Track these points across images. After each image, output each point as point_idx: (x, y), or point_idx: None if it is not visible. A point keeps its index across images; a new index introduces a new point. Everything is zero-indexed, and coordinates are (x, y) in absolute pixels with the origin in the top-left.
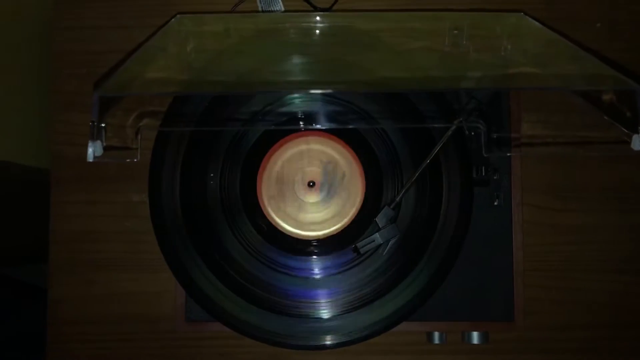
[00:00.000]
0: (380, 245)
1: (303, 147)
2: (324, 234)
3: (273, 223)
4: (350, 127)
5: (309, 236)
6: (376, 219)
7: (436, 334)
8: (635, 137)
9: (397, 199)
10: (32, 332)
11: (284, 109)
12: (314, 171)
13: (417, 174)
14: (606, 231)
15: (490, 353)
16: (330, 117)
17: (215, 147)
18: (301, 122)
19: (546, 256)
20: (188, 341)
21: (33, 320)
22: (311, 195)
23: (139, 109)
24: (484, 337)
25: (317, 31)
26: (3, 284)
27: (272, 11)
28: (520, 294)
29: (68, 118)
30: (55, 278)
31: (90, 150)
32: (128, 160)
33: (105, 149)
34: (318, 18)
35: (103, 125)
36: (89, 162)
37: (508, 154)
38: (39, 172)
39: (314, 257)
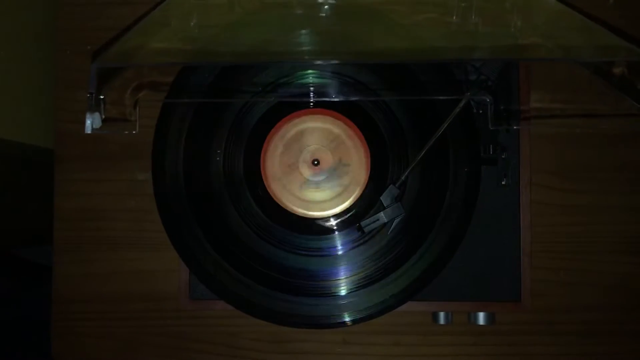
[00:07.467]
0: (384, 224)
1: (307, 124)
2: (328, 213)
3: (277, 201)
4: (354, 99)
5: (312, 215)
6: (381, 198)
7: (442, 314)
8: None
9: (403, 177)
10: (41, 311)
11: (288, 83)
12: (318, 149)
13: (423, 152)
14: (615, 212)
15: (497, 334)
16: (334, 91)
17: (219, 123)
18: (310, 96)
19: (554, 237)
20: (193, 320)
21: (42, 300)
22: (316, 173)
23: (137, 80)
24: (490, 318)
25: (322, 4)
26: (13, 264)
27: None
28: (527, 274)
29: (73, 96)
30: (60, 256)
31: (88, 121)
32: (126, 132)
33: (104, 121)
34: None
35: (102, 97)
36: (94, 140)
37: (515, 127)
38: (44, 152)
39: (318, 235)
